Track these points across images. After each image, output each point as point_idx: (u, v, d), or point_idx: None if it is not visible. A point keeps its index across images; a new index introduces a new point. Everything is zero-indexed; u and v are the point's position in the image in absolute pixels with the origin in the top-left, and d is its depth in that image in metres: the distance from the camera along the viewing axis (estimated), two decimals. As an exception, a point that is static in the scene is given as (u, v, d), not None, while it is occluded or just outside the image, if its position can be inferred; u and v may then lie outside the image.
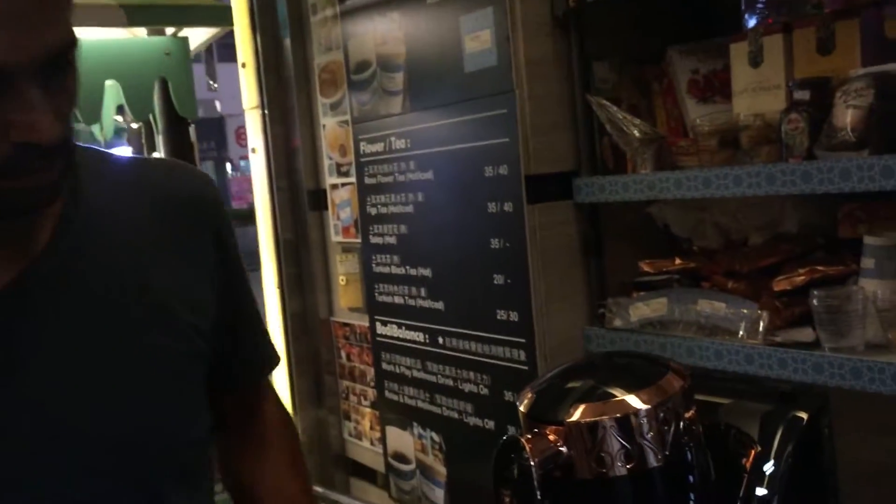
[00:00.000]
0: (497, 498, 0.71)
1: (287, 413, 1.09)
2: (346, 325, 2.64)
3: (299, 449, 1.04)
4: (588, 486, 0.74)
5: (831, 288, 1.47)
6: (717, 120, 1.68)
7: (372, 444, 2.60)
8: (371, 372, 2.53)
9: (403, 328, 2.33)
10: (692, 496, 0.76)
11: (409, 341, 2.31)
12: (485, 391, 2.07)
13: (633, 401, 0.73)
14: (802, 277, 1.56)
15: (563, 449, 0.74)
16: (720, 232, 1.85)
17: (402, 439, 2.44)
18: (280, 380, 2.84)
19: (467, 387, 2.13)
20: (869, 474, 1.61)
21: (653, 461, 0.73)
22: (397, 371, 2.38)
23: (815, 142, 1.44)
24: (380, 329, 2.43)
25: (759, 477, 0.74)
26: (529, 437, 0.73)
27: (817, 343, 1.45)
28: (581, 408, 0.74)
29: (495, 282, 1.95)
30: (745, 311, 1.60)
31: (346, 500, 2.49)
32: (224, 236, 0.94)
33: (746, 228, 1.81)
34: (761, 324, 1.57)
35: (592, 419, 0.73)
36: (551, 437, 0.73)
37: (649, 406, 0.74)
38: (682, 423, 0.73)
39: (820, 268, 1.55)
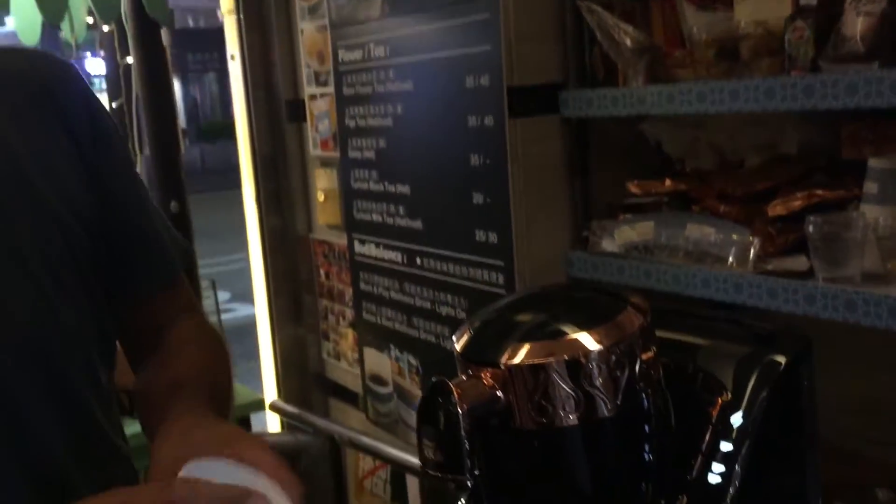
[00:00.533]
0: (419, 450, 0.61)
1: (212, 336, 0.99)
2: (324, 242, 2.54)
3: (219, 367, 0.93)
4: (528, 438, 0.64)
5: (829, 213, 1.36)
6: (715, 29, 1.53)
7: (350, 365, 2.53)
8: (350, 292, 2.44)
9: (381, 247, 2.23)
10: (648, 449, 0.66)
11: (387, 261, 2.21)
12: (462, 315, 1.98)
13: (585, 340, 0.63)
14: (799, 202, 1.46)
15: (500, 395, 0.63)
16: (715, 152, 1.73)
17: (379, 361, 2.37)
18: (258, 297, 2.76)
19: (445, 310, 2.04)
20: (854, 410, 1.53)
21: (604, 410, 0.63)
22: (375, 292, 2.29)
23: (821, 53, 1.30)
24: (358, 248, 2.33)
25: (725, 428, 0.64)
26: (459, 381, 0.63)
27: (811, 273, 1.36)
28: (522, 348, 0.64)
29: (474, 201, 1.84)
30: (736, 236, 1.50)
31: (321, 422, 2.44)
32: (96, 129, 0.86)
33: (743, 149, 1.69)
34: (752, 251, 1.47)
35: (534, 361, 0.63)
36: (486, 382, 0.63)
37: (601, 347, 0.63)
38: (638, 367, 0.63)
39: (819, 192, 1.44)
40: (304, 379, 2.72)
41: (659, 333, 0.72)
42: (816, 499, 0.70)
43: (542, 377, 0.64)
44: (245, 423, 2.63)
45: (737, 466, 0.65)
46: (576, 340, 0.64)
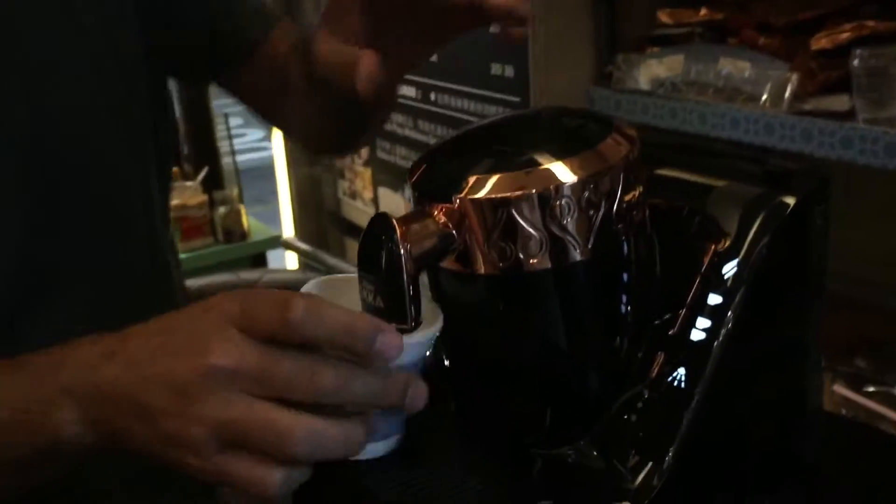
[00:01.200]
0: (360, 293, 0.53)
1: None
2: (339, 76, 2.41)
3: None
4: (485, 284, 0.56)
5: (878, 46, 1.21)
6: None
7: (366, 204, 2.46)
8: (365, 128, 2.34)
9: (396, 81, 2.10)
10: (625, 300, 0.57)
11: (400, 96, 2.09)
12: (476, 154, 1.87)
13: (555, 171, 0.53)
14: (847, 34, 1.31)
15: (454, 234, 0.54)
16: (758, -24, 1.55)
17: (394, 201, 2.29)
18: (275, 130, 2.67)
19: (459, 149, 1.94)
20: (881, 263, 1.43)
21: (573, 254, 0.54)
22: (389, 128, 2.18)
23: None
24: (372, 82, 2.20)
25: (716, 278, 0.54)
26: (405, 217, 0.54)
27: (851, 114, 1.23)
28: (481, 180, 0.54)
29: (490, 29, 1.69)
30: (773, 72, 1.36)
31: (336, 262, 2.39)
32: None
33: (789, -27, 1.51)
34: (789, 88, 1.33)
35: (493, 195, 0.53)
36: (438, 219, 0.54)
37: (573, 180, 0.53)
38: (617, 206, 0.53)
39: (870, 23, 1.29)
40: (319, 218, 2.67)
41: (658, 171, 0.62)
42: (817, 360, 0.62)
43: (503, 214, 0.54)
44: (261, 259, 2.61)
45: (725, 322, 0.56)
46: (543, 172, 0.55)
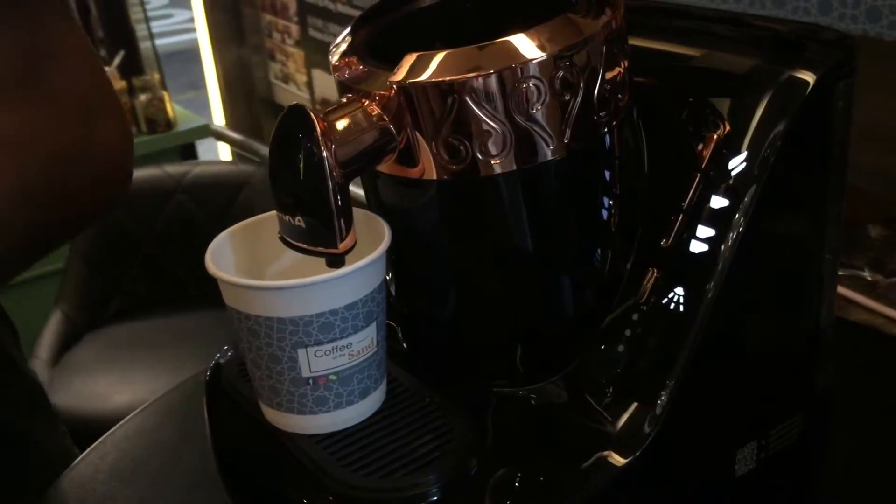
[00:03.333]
0: (278, 214, 0.41)
1: None
2: (263, -54, 2.20)
3: None
4: (434, 192, 0.44)
5: None
6: None
7: (300, 88, 2.29)
8: (294, 4, 2.15)
9: (325, -50, 1.91)
10: (608, 206, 0.46)
11: (331, -33, 1.90)
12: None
13: (518, 45, 0.40)
14: None
15: (391, 127, 0.42)
16: None
17: (329, 84, 2.13)
18: (196, 9, 2.45)
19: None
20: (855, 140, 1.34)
21: (545, 152, 0.42)
22: (320, 4, 2.00)
23: None
24: (299, -49, 2.01)
25: (720, 176, 0.43)
26: (328, 109, 0.42)
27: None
28: (424, 59, 0.41)
29: None
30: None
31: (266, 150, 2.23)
32: None
33: None
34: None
35: (441, 78, 0.41)
36: (371, 110, 0.41)
37: (543, 56, 0.41)
38: (598, 88, 0.41)
39: None
40: (250, 105, 2.49)
41: (634, 41, 0.49)
42: (833, 273, 0.51)
43: (453, 103, 0.42)
44: (190, 150, 2.43)
45: (732, 229, 0.45)
46: (503, 46, 0.42)
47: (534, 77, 0.42)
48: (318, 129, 0.41)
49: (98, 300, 1.93)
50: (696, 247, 0.46)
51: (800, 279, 0.50)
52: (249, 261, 0.49)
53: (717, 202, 0.46)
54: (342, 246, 0.43)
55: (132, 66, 2.43)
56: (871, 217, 1.34)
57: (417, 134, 0.44)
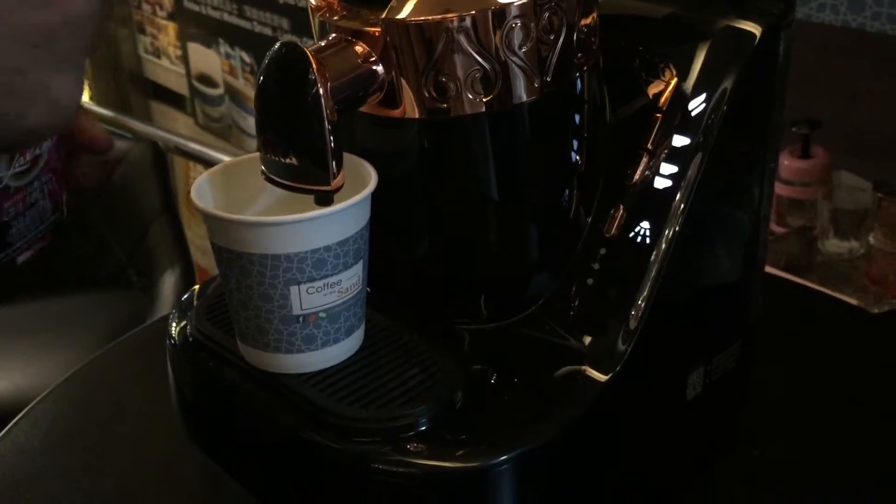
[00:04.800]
0: (263, 151, 0.41)
1: None
2: (131, -87, 2.11)
3: None
4: (415, 131, 0.45)
5: None
6: None
7: (173, 63, 2.22)
8: (167, -25, 2.08)
9: (202, -82, 1.86)
10: (576, 145, 0.49)
11: (209, -64, 1.85)
12: (303, 2, 1.69)
13: (501, -11, 0.42)
14: None
15: (378, 69, 0.43)
16: None
17: (207, 59, 2.07)
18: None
19: (282, -4, 1.75)
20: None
21: (522, 93, 0.44)
22: (197, -26, 1.94)
23: None
24: (173, -81, 1.94)
25: (681, 118, 0.47)
26: (318, 47, 0.42)
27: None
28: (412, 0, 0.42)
29: None
30: None
31: (142, 127, 2.15)
32: None
33: None
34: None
35: (429, 18, 0.42)
36: (359, 49, 0.42)
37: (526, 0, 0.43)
38: (574, 34, 0.43)
39: None
40: (119, 80, 2.39)
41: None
42: (767, 212, 0.56)
43: (442, 41, 0.43)
44: (53, 129, 2.30)
45: (693, 166, 0.49)
46: (491, -12, 0.43)
47: (522, 16, 0.44)
48: (314, 66, 0.42)
49: (-39, 286, 1.82)
50: (661, 183, 0.49)
51: (744, 216, 0.54)
52: (228, 202, 0.49)
53: (679, 141, 0.49)
54: (335, 183, 0.44)
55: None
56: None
57: (403, 72, 0.45)
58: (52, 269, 1.91)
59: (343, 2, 0.46)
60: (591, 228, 0.51)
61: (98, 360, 0.76)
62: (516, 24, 0.44)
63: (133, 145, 1.90)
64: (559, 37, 0.45)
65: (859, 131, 1.38)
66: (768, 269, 1.22)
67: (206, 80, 2.09)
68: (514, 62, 0.44)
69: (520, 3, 0.44)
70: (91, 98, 2.44)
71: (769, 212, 0.57)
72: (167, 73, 2.25)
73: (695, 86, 0.50)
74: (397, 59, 0.44)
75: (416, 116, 0.46)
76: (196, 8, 2.02)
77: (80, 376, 0.74)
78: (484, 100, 0.45)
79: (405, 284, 0.54)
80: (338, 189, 0.44)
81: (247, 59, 1.92)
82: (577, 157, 0.50)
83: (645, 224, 0.49)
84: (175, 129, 2.22)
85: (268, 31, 1.83)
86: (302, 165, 0.43)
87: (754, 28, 0.51)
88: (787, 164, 1.33)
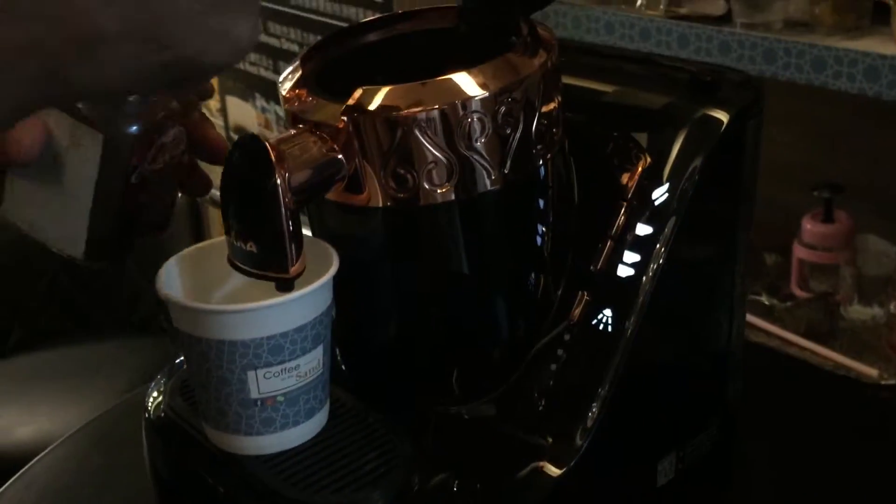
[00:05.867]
0: (227, 239, 0.42)
1: None
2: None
3: None
4: (381, 218, 0.46)
5: (756, -53, 1.17)
6: None
7: (212, 114, 2.28)
8: (208, 31, 2.14)
9: (241, -21, 1.91)
10: (542, 232, 0.49)
11: (247, -5, 1.91)
12: (334, 60, 1.74)
13: (463, 83, 0.43)
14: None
15: (341, 158, 0.44)
16: None
17: (244, 112, 2.12)
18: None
19: (314, 54, 1.79)
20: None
21: (486, 181, 0.45)
22: (235, 32, 2.00)
23: None
24: (214, -21, 2.00)
25: (644, 205, 0.47)
26: (281, 138, 0.43)
27: (728, 17, 1.19)
28: (373, 93, 0.44)
29: None
30: (648, -27, 1.30)
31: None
32: None
33: None
34: (665, -9, 1.28)
35: (390, 113, 0.43)
36: (322, 140, 0.43)
37: (486, 93, 0.44)
38: (535, 124, 0.44)
39: (746, -79, 1.23)
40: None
41: (563, 79, 0.53)
42: (743, 292, 0.56)
43: (402, 135, 0.45)
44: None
45: (655, 255, 0.49)
46: (447, 83, 0.45)
47: (478, 112, 0.45)
48: (273, 157, 0.43)
49: (-1, 330, 1.87)
50: (624, 271, 0.50)
51: (714, 300, 0.54)
52: (196, 285, 0.51)
53: (643, 229, 0.50)
54: (293, 271, 0.45)
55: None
56: (767, 245, 1.42)
57: (365, 163, 0.46)
58: (88, 311, 1.95)
59: (311, 94, 0.48)
60: (557, 314, 0.52)
61: (97, 421, 0.78)
62: (473, 118, 0.45)
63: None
64: (517, 130, 0.46)
65: (885, 194, 1.36)
66: (785, 334, 1.20)
67: (243, 132, 2.14)
68: (471, 156, 0.45)
69: (477, 98, 0.45)
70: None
71: (745, 290, 0.56)
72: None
73: (661, 173, 0.51)
74: (359, 151, 0.46)
75: (379, 205, 0.47)
76: (234, 63, 2.08)
77: (80, 435, 0.76)
78: (441, 191, 0.46)
79: (375, 364, 0.55)
80: (297, 276, 0.45)
81: (281, 113, 1.97)
82: (541, 243, 0.51)
83: (608, 312, 0.50)
84: (213, 179, 2.27)
85: (301, 87, 1.88)
86: (261, 253, 0.45)
87: (722, 115, 0.51)
88: (810, 228, 1.32)
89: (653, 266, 0.49)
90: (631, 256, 0.50)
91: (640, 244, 0.50)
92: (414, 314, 0.52)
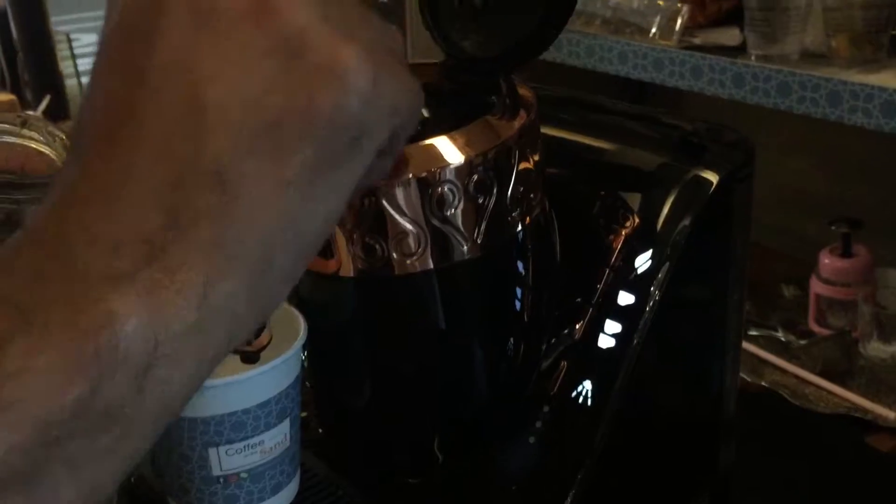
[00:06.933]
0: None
1: None
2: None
3: None
4: (351, 287, 0.44)
5: (772, -23, 1.15)
6: None
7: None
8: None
9: None
10: (520, 298, 0.47)
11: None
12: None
13: (434, 150, 0.41)
14: (739, -38, 1.24)
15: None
16: None
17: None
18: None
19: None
20: (773, 202, 1.40)
21: (459, 251, 0.43)
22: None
23: None
24: None
25: (626, 272, 0.45)
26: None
27: (742, 48, 1.18)
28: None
29: None
30: (662, 2, 1.28)
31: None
32: None
33: None
34: (679, 20, 1.26)
35: (357, 181, 0.41)
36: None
37: (460, 161, 0.42)
38: (511, 188, 0.42)
39: (762, -49, 1.21)
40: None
41: (551, 132, 0.51)
42: (736, 357, 0.54)
43: (370, 204, 0.43)
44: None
45: (638, 325, 0.47)
46: (419, 149, 0.43)
47: (450, 181, 0.43)
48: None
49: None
50: (605, 342, 0.48)
51: (703, 368, 0.52)
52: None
53: (625, 298, 0.48)
54: (256, 343, 0.43)
55: (59, 111, 2.39)
56: (785, 277, 1.39)
57: (335, 233, 0.44)
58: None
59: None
60: (537, 383, 0.50)
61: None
62: (444, 187, 0.43)
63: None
64: (491, 197, 0.45)
65: (907, 228, 1.33)
66: (801, 373, 1.16)
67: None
68: (442, 225, 0.44)
69: (450, 166, 0.43)
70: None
71: (737, 356, 0.54)
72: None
73: (643, 237, 0.49)
74: (328, 219, 0.44)
75: (350, 274, 0.45)
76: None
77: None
78: (410, 261, 0.44)
79: (348, 432, 0.53)
80: (262, 348, 0.44)
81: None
82: (519, 310, 0.49)
83: (587, 384, 0.48)
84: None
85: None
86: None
87: (711, 176, 0.49)
88: (828, 262, 1.29)
89: (635, 338, 0.47)
90: (613, 326, 0.48)
91: (622, 313, 0.48)
92: (385, 383, 0.50)
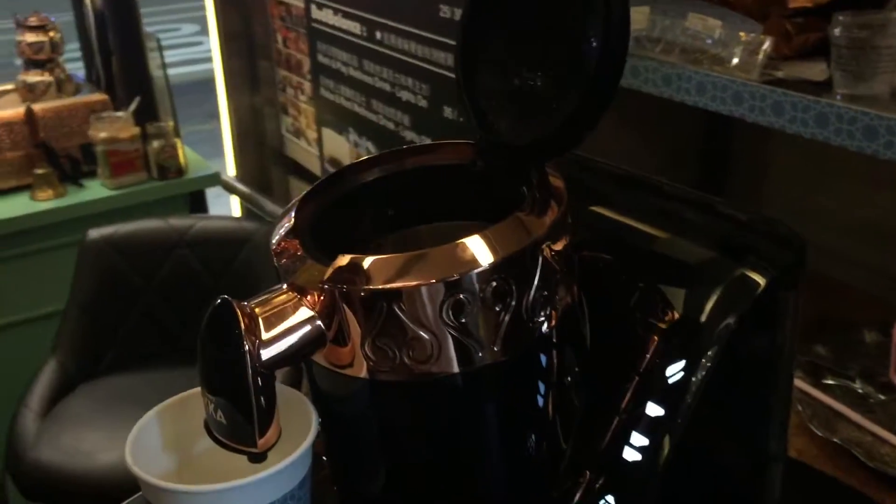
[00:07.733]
0: (204, 406, 0.40)
1: None
2: (281, 3, 2.23)
3: None
4: (365, 388, 0.43)
5: (863, 13, 1.08)
6: None
7: (310, 144, 2.30)
8: (308, 63, 2.17)
9: (340, 15, 1.93)
10: (542, 404, 0.45)
11: (345, 31, 1.92)
12: (423, 103, 1.72)
13: (453, 254, 0.39)
14: (829, -7, 1.17)
15: (320, 324, 0.41)
16: (734, -81, 1.39)
17: (337, 144, 2.14)
18: (215, 56, 2.48)
19: (405, 95, 1.78)
20: (847, 232, 1.33)
21: (477, 359, 0.41)
22: (333, 66, 2.01)
23: None
24: (315, 13, 2.03)
25: (658, 380, 0.42)
26: (258, 301, 0.41)
27: (827, 84, 1.11)
28: (354, 261, 0.41)
29: (438, -35, 1.53)
30: (744, 34, 1.22)
31: (272, 206, 2.24)
32: None
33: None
34: (762, 53, 1.20)
35: (370, 287, 0.40)
36: (302, 305, 0.41)
37: (478, 269, 0.40)
38: (534, 294, 0.40)
39: (855, -19, 1.15)
40: (262, 155, 2.51)
41: (593, 208, 0.48)
42: (781, 457, 0.50)
43: (383, 310, 0.41)
44: (200, 197, 2.44)
45: (666, 440, 0.44)
46: (435, 256, 0.41)
47: (466, 290, 0.41)
48: (242, 327, 0.41)
49: (94, 350, 1.93)
50: (631, 455, 0.45)
51: (741, 478, 0.49)
52: (180, 435, 0.49)
53: (653, 410, 0.45)
54: (261, 444, 0.42)
55: (148, 112, 2.46)
56: (867, 320, 1.32)
57: (348, 334, 0.43)
58: (179, 333, 2.00)
59: (303, 249, 0.45)
60: (559, 496, 0.47)
61: None
62: (458, 297, 0.41)
63: (260, 226, 1.98)
64: (508, 305, 0.42)
65: None
66: (879, 431, 1.09)
67: (336, 163, 2.15)
68: (459, 335, 0.42)
69: (464, 277, 0.41)
70: (236, 174, 2.57)
71: (784, 457, 0.50)
72: (305, 153, 2.34)
73: (678, 341, 0.46)
74: (340, 320, 0.43)
75: (362, 375, 0.44)
76: (331, 97, 2.09)
77: None
78: (421, 368, 0.42)
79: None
80: (268, 449, 0.43)
81: (372, 148, 1.97)
82: (540, 416, 0.47)
83: (610, 499, 0.45)
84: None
85: (391, 126, 1.86)
86: (231, 426, 0.42)
87: (759, 278, 0.46)
88: (912, 310, 1.21)
89: (663, 454, 0.44)
90: (639, 439, 0.45)
91: (650, 428, 0.45)
92: (400, 479, 0.48)
